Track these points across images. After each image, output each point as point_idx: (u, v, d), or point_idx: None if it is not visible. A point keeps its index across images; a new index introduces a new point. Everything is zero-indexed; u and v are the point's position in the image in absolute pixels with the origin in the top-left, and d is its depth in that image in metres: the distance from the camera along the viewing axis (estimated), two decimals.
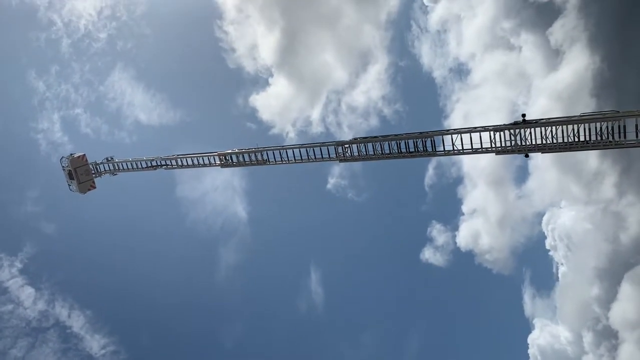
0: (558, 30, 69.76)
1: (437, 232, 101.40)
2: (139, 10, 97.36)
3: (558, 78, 70.93)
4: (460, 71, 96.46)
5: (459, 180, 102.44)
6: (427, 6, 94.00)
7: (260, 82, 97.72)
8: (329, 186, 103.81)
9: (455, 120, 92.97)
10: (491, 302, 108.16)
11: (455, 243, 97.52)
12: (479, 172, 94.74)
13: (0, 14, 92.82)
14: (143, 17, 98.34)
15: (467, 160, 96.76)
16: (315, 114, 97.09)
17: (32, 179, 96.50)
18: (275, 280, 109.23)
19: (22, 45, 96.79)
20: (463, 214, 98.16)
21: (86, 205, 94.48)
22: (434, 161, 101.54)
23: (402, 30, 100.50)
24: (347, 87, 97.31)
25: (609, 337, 67.73)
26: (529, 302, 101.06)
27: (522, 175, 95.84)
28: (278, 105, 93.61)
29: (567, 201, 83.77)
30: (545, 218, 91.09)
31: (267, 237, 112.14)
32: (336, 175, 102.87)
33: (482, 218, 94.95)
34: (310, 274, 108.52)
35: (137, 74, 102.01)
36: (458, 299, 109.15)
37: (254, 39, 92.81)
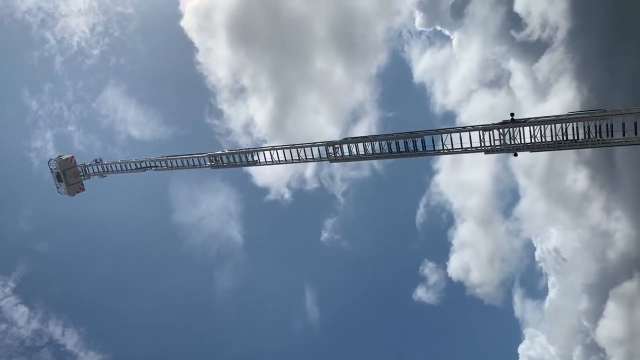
0: (545, 65, 72.08)
1: (429, 271, 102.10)
2: (131, 25, 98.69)
3: (546, 109, 72.86)
4: (447, 117, 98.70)
5: (449, 218, 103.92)
6: (421, 29, 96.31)
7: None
8: (322, 239, 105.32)
9: (443, 163, 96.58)
10: (483, 328, 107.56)
11: (447, 273, 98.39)
12: (468, 211, 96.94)
13: None
14: (136, 32, 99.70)
15: (456, 200, 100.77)
16: (309, 171, 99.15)
17: (25, 198, 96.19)
18: (271, 305, 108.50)
19: (15, 64, 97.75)
20: (452, 245, 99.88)
21: (80, 221, 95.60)
22: (424, 199, 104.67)
23: (391, 83, 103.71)
24: None
25: (597, 351, 67.59)
26: (519, 302, 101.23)
27: (510, 209, 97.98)
28: (272, 170, 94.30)
29: (556, 228, 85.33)
30: (534, 233, 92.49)
31: (263, 261, 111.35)
32: (329, 228, 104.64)
33: (473, 254, 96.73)
34: (305, 314, 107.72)
35: (130, 89, 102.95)
36: (450, 329, 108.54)
37: (248, 114, 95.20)
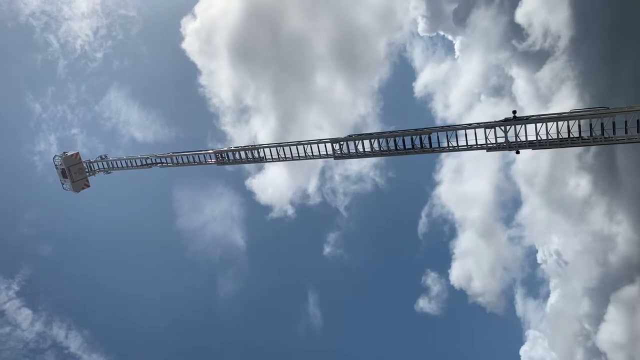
0: (547, 74, 72.79)
1: (432, 280, 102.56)
2: (134, 28, 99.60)
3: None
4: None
5: (451, 228, 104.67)
6: (424, 37, 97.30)
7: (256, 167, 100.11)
8: (325, 253, 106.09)
9: (445, 175, 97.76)
10: (485, 335, 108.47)
11: (449, 282, 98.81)
12: (469, 220, 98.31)
13: None
14: (139, 36, 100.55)
15: (458, 211, 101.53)
16: (312, 186, 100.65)
17: (28, 201, 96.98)
18: (273, 313, 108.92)
19: (19, 68, 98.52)
20: (454, 254, 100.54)
21: (83, 224, 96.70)
22: (426, 209, 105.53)
23: (393, 96, 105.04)
24: None
25: (598, 355, 67.76)
26: (520, 302, 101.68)
27: (512, 217, 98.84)
28: (275, 188, 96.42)
29: (558, 235, 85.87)
30: (535, 240, 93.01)
31: (265, 267, 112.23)
32: (331, 243, 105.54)
33: (474, 262, 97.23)
34: (308, 324, 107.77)
35: (133, 92, 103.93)
36: (453, 338, 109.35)
37: (251, 135, 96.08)
